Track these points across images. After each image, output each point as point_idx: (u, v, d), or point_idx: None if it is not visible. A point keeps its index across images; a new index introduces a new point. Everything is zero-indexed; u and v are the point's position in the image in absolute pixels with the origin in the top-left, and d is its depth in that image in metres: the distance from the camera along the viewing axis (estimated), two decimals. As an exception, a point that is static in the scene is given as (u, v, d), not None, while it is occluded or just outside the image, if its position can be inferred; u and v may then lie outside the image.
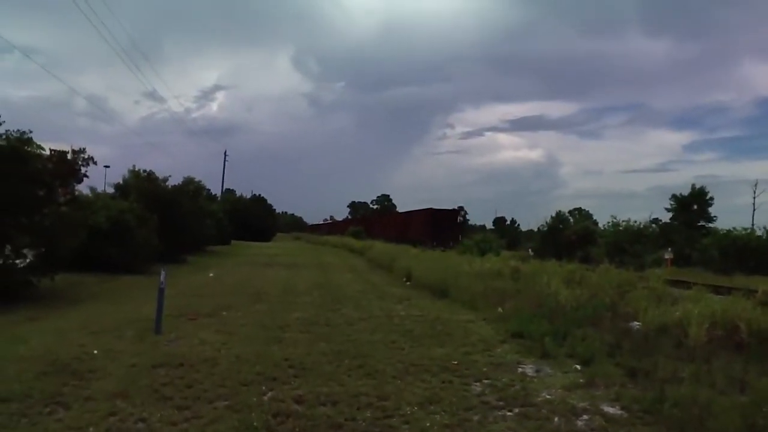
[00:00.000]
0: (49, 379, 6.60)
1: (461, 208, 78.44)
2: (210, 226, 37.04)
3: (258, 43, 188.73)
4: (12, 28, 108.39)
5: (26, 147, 14.12)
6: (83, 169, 15.57)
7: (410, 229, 57.44)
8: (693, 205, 44.63)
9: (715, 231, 39.34)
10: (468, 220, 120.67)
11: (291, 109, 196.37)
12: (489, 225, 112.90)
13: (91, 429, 5.19)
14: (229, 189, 78.71)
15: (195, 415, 5.63)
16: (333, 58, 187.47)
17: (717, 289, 14.84)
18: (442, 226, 50.66)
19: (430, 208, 54.35)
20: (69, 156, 15.21)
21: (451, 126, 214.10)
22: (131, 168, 28.56)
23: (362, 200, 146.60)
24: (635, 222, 42.96)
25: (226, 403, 6.01)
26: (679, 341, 8.74)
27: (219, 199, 64.49)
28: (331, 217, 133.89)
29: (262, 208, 78.26)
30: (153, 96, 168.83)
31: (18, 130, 14.12)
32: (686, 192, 45.19)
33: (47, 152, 14.88)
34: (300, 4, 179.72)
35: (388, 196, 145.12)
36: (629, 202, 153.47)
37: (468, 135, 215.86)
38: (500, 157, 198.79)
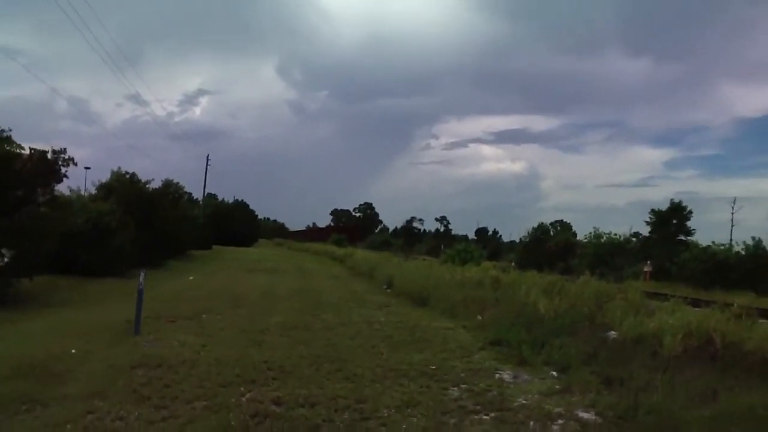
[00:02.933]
0: (27, 379, 6.57)
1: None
2: (191, 230, 36.79)
3: (243, 51, 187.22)
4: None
5: (5, 146, 13.99)
6: (63, 170, 15.41)
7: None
8: (672, 219, 44.99)
9: (693, 244, 39.73)
10: (450, 230, 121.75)
11: (275, 116, 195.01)
12: (471, 235, 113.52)
13: (68, 426, 5.19)
14: (211, 194, 78.06)
15: (173, 414, 5.64)
16: (317, 67, 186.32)
17: (695, 302, 15.01)
18: (352, 232, 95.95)
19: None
20: (49, 156, 15.07)
21: (436, 137, 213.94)
22: (115, 169, 28.30)
23: (345, 208, 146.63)
24: (616, 235, 43.39)
25: (205, 403, 6.02)
26: (655, 351, 8.85)
27: (201, 203, 64.08)
28: (314, 224, 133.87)
29: (244, 214, 77.83)
30: (136, 99, 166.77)
31: (-4, 128, 13.99)
32: (666, 207, 45.68)
33: (27, 152, 14.74)
34: (285, 14, 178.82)
35: (371, 204, 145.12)
36: (610, 216, 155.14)
37: (452, 146, 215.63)
38: (483, 168, 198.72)
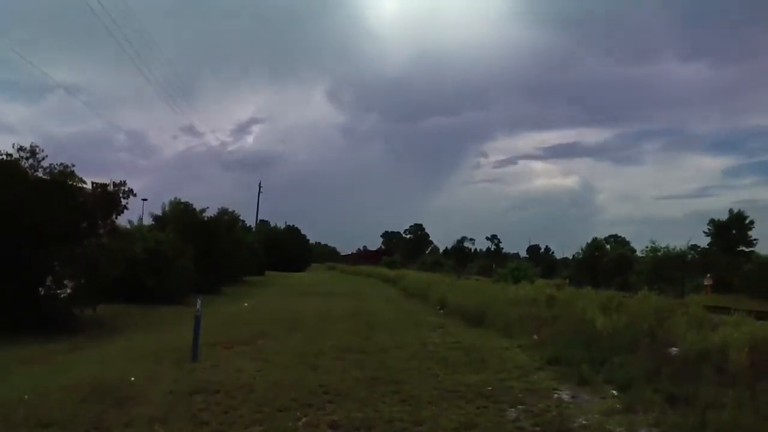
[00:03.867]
0: (90, 406, 6.73)
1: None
2: (245, 256, 37.33)
3: (292, 77, 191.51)
4: (57, 67, 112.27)
5: (69, 180, 14.55)
6: (124, 201, 15.92)
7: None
8: (732, 229, 43.63)
9: (756, 255, 38.41)
10: (501, 248, 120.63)
11: (325, 140, 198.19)
12: (523, 253, 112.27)
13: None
14: (263, 220, 79.55)
15: (232, 439, 5.69)
16: (366, 89, 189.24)
17: (760, 316, 14.46)
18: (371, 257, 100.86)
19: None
20: (110, 188, 15.59)
21: (485, 155, 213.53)
22: (172, 199, 29.18)
23: (395, 230, 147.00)
24: (674, 248, 42.24)
25: (262, 428, 6.08)
26: (721, 366, 8.54)
27: (254, 229, 65.12)
28: (365, 247, 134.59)
29: (296, 239, 78.77)
30: (190, 130, 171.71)
31: (61, 164, 14.60)
32: (726, 217, 44.29)
33: (89, 185, 15.30)
34: (333, 38, 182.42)
35: (422, 225, 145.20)
36: (667, 228, 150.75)
37: (502, 163, 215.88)
38: (534, 185, 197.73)
